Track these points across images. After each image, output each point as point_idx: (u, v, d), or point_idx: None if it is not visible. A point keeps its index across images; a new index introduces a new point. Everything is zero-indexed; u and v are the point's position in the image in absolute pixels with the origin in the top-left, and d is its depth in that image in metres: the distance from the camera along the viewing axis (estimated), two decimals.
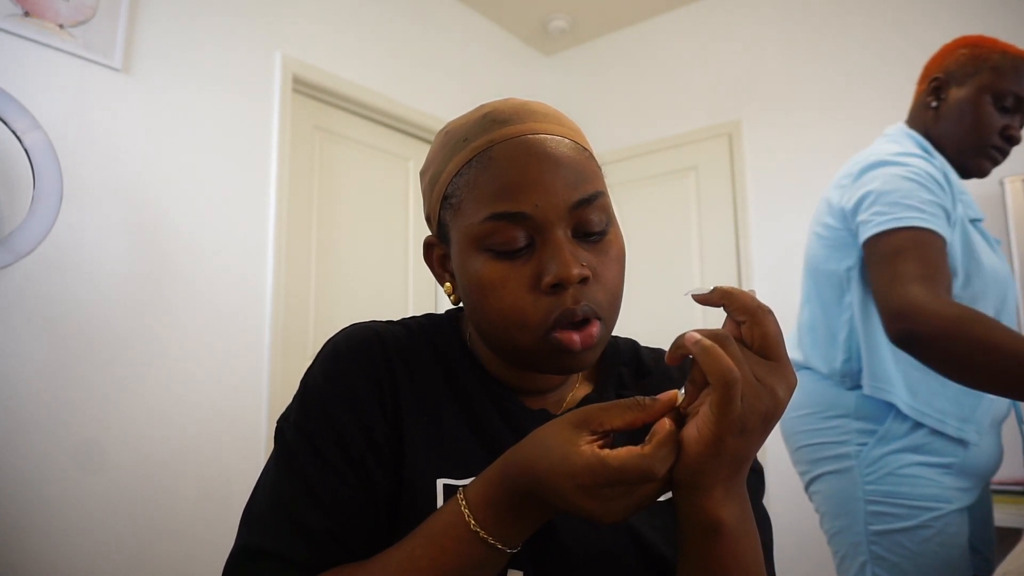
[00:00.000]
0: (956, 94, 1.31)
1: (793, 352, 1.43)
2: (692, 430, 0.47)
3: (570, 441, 0.47)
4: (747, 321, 0.48)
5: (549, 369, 0.59)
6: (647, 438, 0.47)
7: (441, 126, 0.77)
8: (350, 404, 0.60)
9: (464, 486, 0.53)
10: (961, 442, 1.24)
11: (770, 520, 0.68)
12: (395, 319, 0.70)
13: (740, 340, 0.48)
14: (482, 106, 0.65)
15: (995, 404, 1.26)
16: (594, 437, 0.48)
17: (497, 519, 0.50)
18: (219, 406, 2.09)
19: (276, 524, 0.56)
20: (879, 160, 1.26)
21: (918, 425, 1.24)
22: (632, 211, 3.20)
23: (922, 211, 1.17)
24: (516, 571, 0.57)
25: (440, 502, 0.58)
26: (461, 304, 0.66)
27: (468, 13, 3.21)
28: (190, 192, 2.09)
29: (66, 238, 1.79)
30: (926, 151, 1.31)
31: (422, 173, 0.68)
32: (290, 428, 0.61)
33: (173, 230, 2.04)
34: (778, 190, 2.86)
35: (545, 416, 0.65)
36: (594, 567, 0.59)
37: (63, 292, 1.79)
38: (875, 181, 1.23)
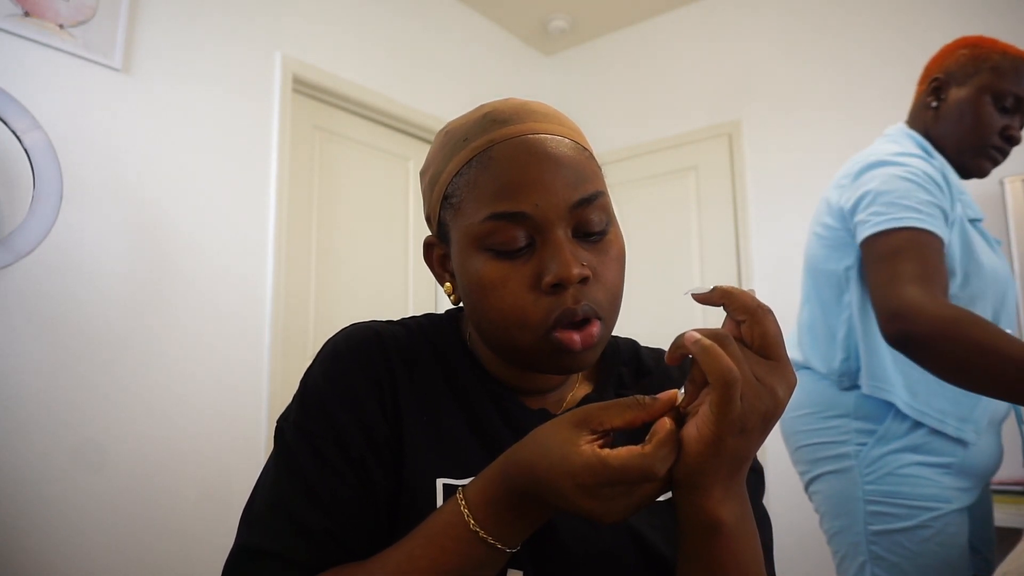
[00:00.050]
0: (956, 94, 1.31)
1: (793, 352, 1.43)
2: (692, 429, 0.47)
3: (570, 440, 0.47)
4: (747, 320, 0.48)
5: (549, 369, 0.59)
6: (647, 437, 0.47)
7: (441, 126, 0.77)
8: (350, 404, 0.60)
9: (464, 486, 0.53)
10: (960, 442, 1.24)
11: (770, 520, 0.68)
12: (395, 319, 0.70)
13: (740, 340, 0.48)
14: (482, 106, 0.65)
15: (994, 404, 1.26)
16: (594, 436, 0.48)
17: (497, 519, 0.50)
18: (219, 406, 2.09)
19: (276, 524, 0.56)
20: (878, 160, 1.26)
21: (917, 425, 1.24)
22: (632, 211, 3.20)
23: (920, 212, 1.17)
24: (516, 571, 0.57)
25: (440, 502, 0.58)
26: (461, 304, 0.66)
27: (468, 13, 3.21)
28: (190, 192, 2.09)
29: (66, 238, 1.79)
30: (925, 151, 1.31)
31: (422, 173, 0.68)
32: (290, 428, 0.61)
33: (173, 230, 2.04)
34: (778, 190, 2.86)
35: (545, 416, 0.65)
36: (594, 567, 0.59)
37: (63, 292, 1.79)
38: (873, 181, 1.23)
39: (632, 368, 0.73)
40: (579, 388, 0.70)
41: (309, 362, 0.65)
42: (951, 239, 1.22)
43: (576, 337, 0.56)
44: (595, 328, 0.57)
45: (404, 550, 0.53)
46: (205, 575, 1.87)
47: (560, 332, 0.56)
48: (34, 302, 1.74)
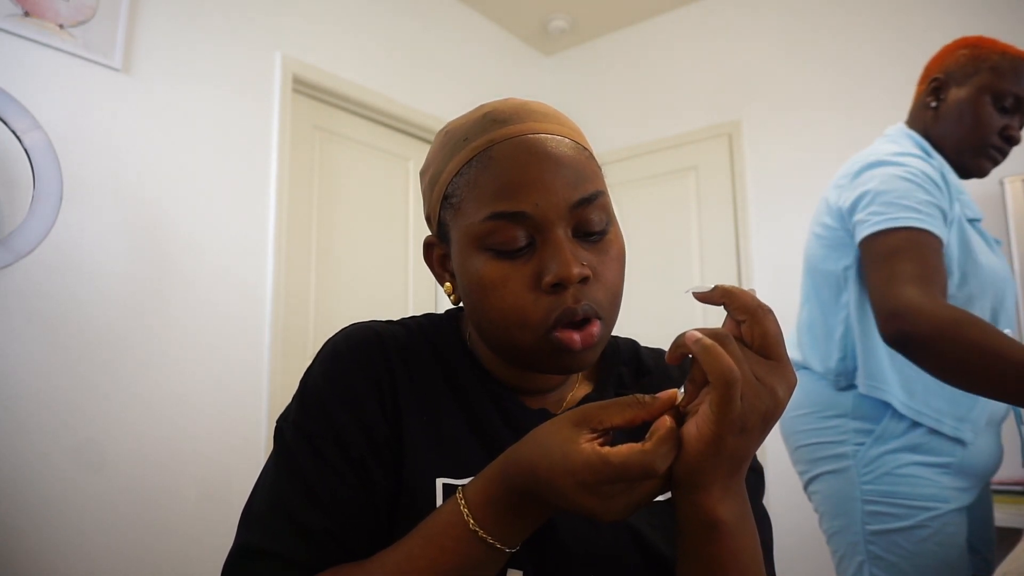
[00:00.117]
0: (956, 94, 1.32)
1: (792, 352, 1.44)
2: (692, 428, 0.47)
3: (570, 439, 0.47)
4: (747, 320, 0.48)
5: (549, 369, 0.59)
6: (648, 434, 0.47)
7: (441, 126, 0.77)
8: (349, 404, 0.60)
9: (463, 485, 0.53)
10: (958, 441, 1.24)
11: (770, 520, 0.68)
12: (395, 319, 0.70)
13: (740, 339, 0.48)
14: (482, 106, 0.65)
15: (992, 403, 1.26)
16: (594, 435, 0.48)
17: (496, 518, 0.50)
18: (219, 406, 2.09)
19: (275, 524, 0.56)
20: (877, 160, 1.26)
21: (915, 424, 1.24)
22: (632, 211, 3.20)
23: (919, 211, 1.17)
24: (516, 571, 0.57)
25: (439, 502, 0.58)
26: (461, 304, 0.66)
27: (468, 13, 3.21)
28: (190, 192, 2.09)
29: (66, 238, 1.79)
30: (924, 151, 1.31)
31: (422, 173, 0.68)
32: (289, 428, 0.61)
33: (173, 230, 2.04)
34: (778, 190, 2.86)
35: (545, 416, 0.65)
36: (594, 567, 0.59)
37: (63, 292, 1.79)
38: (872, 181, 1.24)
39: (632, 368, 0.73)
40: (579, 388, 0.70)
41: (309, 362, 0.65)
42: (949, 239, 1.22)
43: (576, 337, 0.56)
44: (595, 328, 0.57)
45: (403, 550, 0.53)
46: (205, 575, 1.87)
47: (560, 332, 0.56)
48: (34, 302, 1.74)
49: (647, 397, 0.49)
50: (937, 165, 1.28)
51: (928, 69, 1.38)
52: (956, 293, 1.23)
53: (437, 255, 0.67)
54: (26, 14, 1.77)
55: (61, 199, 1.71)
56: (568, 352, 0.57)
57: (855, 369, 1.30)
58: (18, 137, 1.66)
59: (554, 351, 0.57)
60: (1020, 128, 1.32)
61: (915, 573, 1.20)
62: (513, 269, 0.58)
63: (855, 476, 1.27)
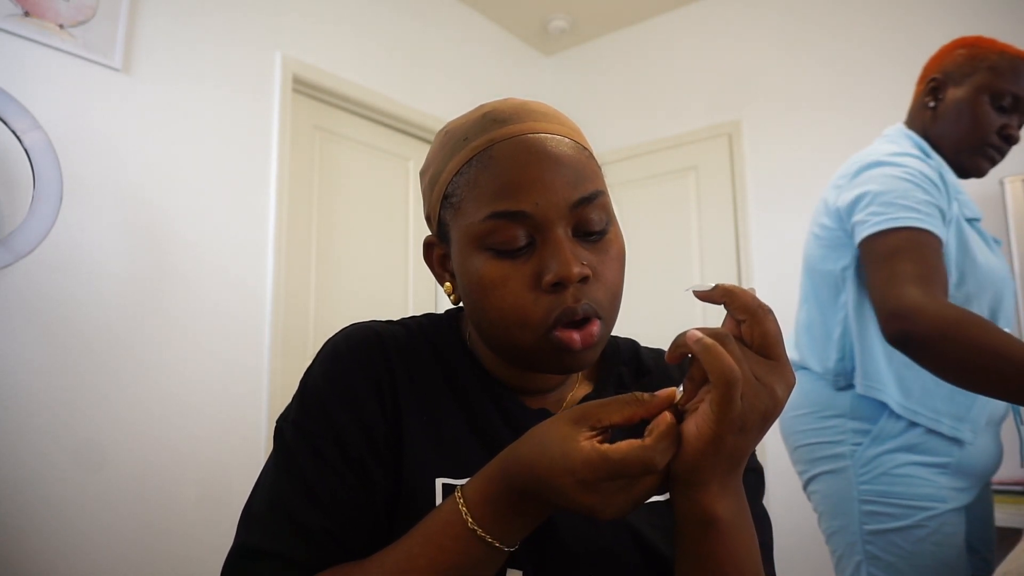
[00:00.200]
0: (954, 94, 1.32)
1: (791, 352, 1.44)
2: (691, 427, 0.47)
3: (570, 437, 0.47)
4: (747, 320, 0.49)
5: (549, 368, 0.59)
6: (647, 430, 0.47)
7: (441, 126, 0.77)
8: (349, 404, 0.60)
9: (462, 484, 0.53)
10: (956, 441, 1.24)
11: (770, 520, 0.68)
12: (395, 319, 0.70)
13: (740, 339, 0.49)
14: (482, 106, 0.65)
15: (991, 403, 1.26)
16: (593, 433, 0.48)
17: (495, 517, 0.50)
18: (219, 406, 2.09)
19: (275, 524, 0.56)
20: (875, 161, 1.26)
21: (912, 425, 1.24)
22: (632, 211, 3.20)
23: (918, 211, 1.17)
24: (515, 571, 0.57)
25: (439, 502, 0.58)
26: (461, 304, 0.66)
27: (468, 13, 3.21)
28: (190, 192, 2.09)
29: (66, 238, 1.79)
30: (923, 151, 1.31)
31: (422, 173, 0.68)
32: (289, 428, 0.61)
33: (173, 230, 2.04)
34: (778, 190, 2.86)
35: (545, 415, 0.64)
36: (594, 566, 0.59)
37: (63, 292, 1.79)
38: (871, 182, 1.24)
39: (632, 368, 0.73)
40: (579, 388, 0.70)
41: (309, 362, 0.65)
42: (947, 238, 1.22)
43: (576, 336, 0.56)
44: (595, 327, 0.57)
45: (403, 549, 0.53)
46: (205, 575, 1.87)
47: (560, 331, 0.57)
48: (34, 302, 1.74)
49: (646, 395, 0.49)
50: (935, 165, 1.28)
51: (926, 69, 1.38)
52: (954, 293, 1.24)
53: (437, 255, 0.67)
54: (26, 14, 1.78)
55: (61, 199, 1.71)
56: (568, 351, 0.57)
57: (853, 369, 1.30)
58: (18, 137, 1.66)
59: (554, 350, 0.57)
60: (1019, 127, 1.32)
61: (913, 573, 1.20)
62: (513, 269, 0.58)
63: (853, 476, 1.27)
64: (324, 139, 2.62)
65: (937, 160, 1.30)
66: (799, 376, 1.40)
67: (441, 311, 0.75)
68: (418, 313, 0.73)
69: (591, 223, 0.59)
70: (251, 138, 2.28)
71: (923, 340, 1.09)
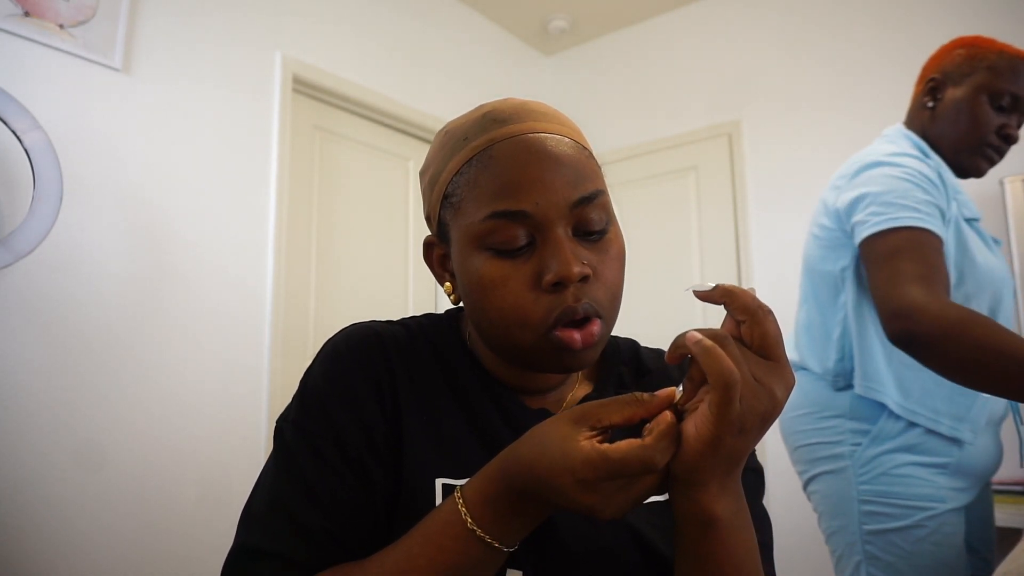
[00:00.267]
0: (952, 94, 1.32)
1: (790, 352, 1.44)
2: (690, 428, 0.47)
3: (570, 437, 0.47)
4: (747, 321, 0.49)
5: (550, 368, 0.59)
6: (648, 429, 0.47)
7: (441, 126, 0.77)
8: (349, 404, 0.60)
9: (461, 485, 0.53)
10: (956, 441, 1.24)
11: (770, 520, 0.68)
12: (395, 319, 0.70)
13: (739, 339, 0.49)
14: (481, 106, 0.65)
15: (991, 403, 1.26)
16: (593, 433, 0.48)
17: (495, 517, 0.50)
18: (219, 406, 2.09)
19: (274, 524, 0.56)
20: (874, 161, 1.26)
21: (911, 425, 1.24)
22: (632, 211, 3.20)
23: (918, 211, 1.17)
24: (515, 571, 0.57)
25: (439, 502, 0.58)
26: (461, 304, 0.66)
27: (468, 13, 3.21)
28: (190, 192, 2.09)
29: (66, 238, 1.79)
30: (922, 151, 1.31)
31: (422, 173, 0.68)
32: (289, 428, 0.61)
33: (173, 230, 2.04)
34: (778, 190, 2.86)
35: (545, 415, 0.64)
36: (594, 566, 0.59)
37: (63, 292, 1.79)
38: (870, 182, 1.24)
39: (632, 368, 0.73)
40: (579, 388, 0.70)
41: (309, 362, 0.65)
42: (947, 238, 1.22)
43: (577, 336, 0.57)
44: (595, 327, 0.57)
45: (402, 549, 0.53)
46: (205, 575, 1.87)
47: (561, 331, 0.57)
48: (34, 302, 1.74)
49: (646, 395, 0.50)
50: (934, 165, 1.28)
51: (925, 69, 1.38)
52: (953, 293, 1.24)
53: (437, 255, 0.67)
54: (26, 14, 1.78)
55: (61, 199, 1.71)
56: (568, 351, 0.57)
57: (852, 370, 1.30)
58: (18, 137, 1.66)
59: (554, 350, 0.57)
60: (1018, 127, 1.32)
61: (912, 573, 1.20)
62: (513, 268, 0.58)
63: (852, 476, 1.27)
64: (324, 139, 2.62)
65: (936, 160, 1.30)
66: (798, 376, 1.40)
67: (441, 311, 0.75)
68: (418, 313, 0.73)
69: (591, 223, 0.59)
70: (251, 138, 2.28)
71: (926, 339, 1.09)
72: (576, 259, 0.56)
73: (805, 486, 1.41)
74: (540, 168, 0.58)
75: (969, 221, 1.31)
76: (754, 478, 0.67)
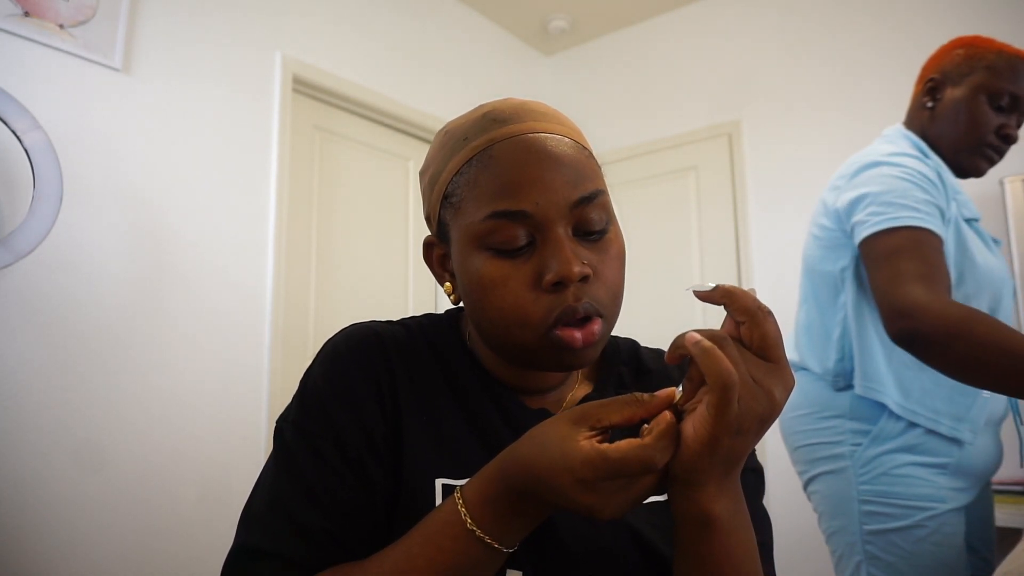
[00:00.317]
0: (952, 94, 1.31)
1: (790, 352, 1.44)
2: (689, 428, 0.48)
3: (569, 437, 0.47)
4: (747, 322, 0.48)
5: (550, 366, 0.59)
6: (647, 429, 0.47)
7: (441, 126, 0.77)
8: (349, 404, 0.60)
9: (461, 485, 0.53)
10: (956, 441, 1.24)
11: (770, 520, 0.68)
12: (395, 319, 0.70)
13: (739, 340, 0.49)
14: (481, 106, 0.65)
15: (991, 403, 1.26)
16: (592, 433, 0.48)
17: (494, 518, 0.50)
18: (219, 406, 2.09)
19: (274, 524, 0.56)
20: (873, 161, 1.27)
21: (912, 425, 1.24)
22: (632, 211, 3.20)
23: (918, 210, 1.17)
24: (515, 571, 0.57)
25: (439, 502, 0.58)
26: (461, 304, 0.66)
27: (468, 13, 3.21)
28: (190, 192, 2.09)
29: (66, 238, 1.79)
30: (921, 151, 1.31)
31: (422, 173, 0.68)
32: (289, 428, 0.61)
33: (173, 230, 2.04)
34: (778, 190, 2.86)
35: (545, 415, 0.64)
36: (593, 566, 0.59)
37: (63, 292, 1.79)
38: (870, 182, 1.24)
39: (632, 368, 0.73)
40: (579, 388, 0.70)
41: (309, 362, 0.65)
42: (946, 238, 1.22)
43: (578, 335, 0.57)
44: (596, 326, 0.57)
45: (402, 549, 0.53)
46: (205, 575, 1.87)
47: (561, 330, 0.57)
48: (34, 302, 1.74)
49: (645, 395, 0.50)
50: (933, 165, 1.28)
51: (925, 69, 1.38)
52: (953, 293, 1.23)
53: (437, 255, 0.67)
54: (26, 14, 1.78)
55: (61, 199, 1.71)
56: (569, 350, 0.57)
57: (852, 370, 1.30)
58: (18, 137, 1.66)
59: (555, 349, 0.57)
60: (1017, 127, 1.32)
61: (912, 573, 1.20)
62: (513, 268, 0.58)
63: (852, 476, 1.27)
64: (324, 139, 2.62)
65: (935, 160, 1.30)
66: (799, 376, 1.40)
67: (441, 311, 0.75)
68: (418, 313, 0.73)
69: (591, 222, 0.59)
70: (251, 138, 2.28)
71: (929, 338, 1.09)
72: (576, 259, 0.56)
73: (805, 486, 1.41)
74: (540, 168, 0.58)
75: (969, 221, 1.31)
76: (754, 478, 0.67)
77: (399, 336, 0.66)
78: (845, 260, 1.30)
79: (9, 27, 1.74)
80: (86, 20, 1.88)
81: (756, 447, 0.61)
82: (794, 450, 1.41)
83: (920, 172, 1.22)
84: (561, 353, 0.58)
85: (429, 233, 0.68)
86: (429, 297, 2.92)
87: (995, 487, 1.91)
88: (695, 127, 3.13)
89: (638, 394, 0.50)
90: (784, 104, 2.88)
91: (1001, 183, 2.28)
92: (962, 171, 1.34)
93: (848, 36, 2.77)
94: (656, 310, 2.88)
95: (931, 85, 1.34)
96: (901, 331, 1.11)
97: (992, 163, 1.34)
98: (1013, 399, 1.27)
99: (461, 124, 0.64)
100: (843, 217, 1.28)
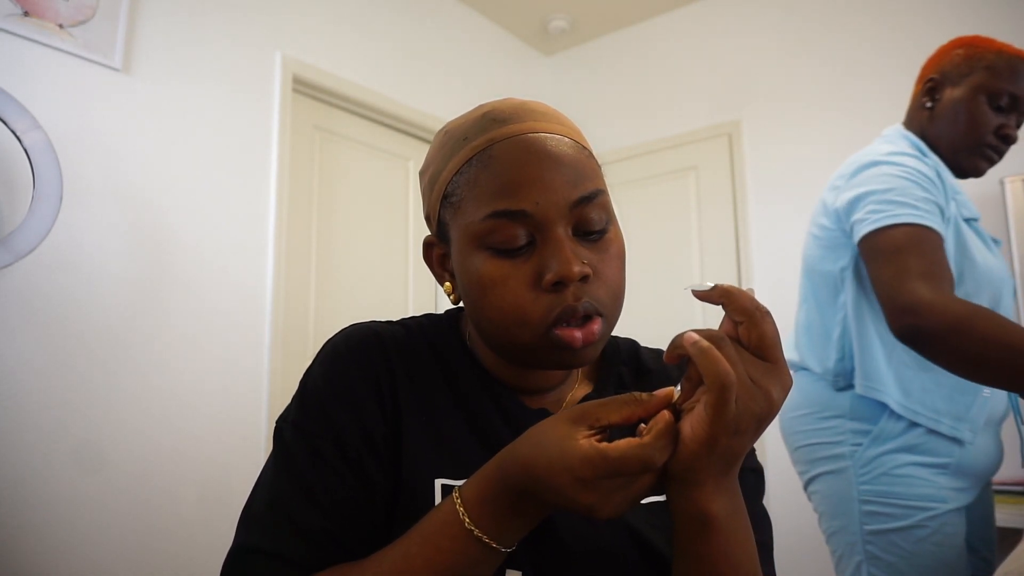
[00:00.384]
0: (951, 94, 1.31)
1: (790, 352, 1.44)
2: (687, 428, 0.48)
3: (568, 436, 0.48)
4: (745, 322, 0.49)
5: (549, 365, 0.60)
6: (646, 429, 0.47)
7: (441, 126, 0.77)
8: (349, 404, 0.60)
9: (460, 485, 0.53)
10: (956, 441, 1.24)
11: (770, 520, 0.68)
12: (395, 319, 0.70)
13: (737, 340, 0.49)
14: (481, 106, 0.65)
15: (991, 403, 1.26)
16: (591, 432, 0.48)
17: (493, 517, 0.50)
18: (219, 406, 2.09)
19: (274, 524, 0.57)
20: (872, 160, 1.27)
21: (912, 425, 1.24)
22: (632, 211, 3.20)
23: (918, 208, 1.17)
24: (514, 571, 0.57)
25: (438, 502, 0.58)
26: (461, 304, 0.67)
27: (468, 13, 3.21)
28: (190, 192, 2.09)
29: (66, 238, 1.79)
30: (920, 151, 1.31)
31: (422, 173, 0.68)
32: (289, 428, 0.61)
33: (173, 230, 2.04)
34: (778, 190, 2.86)
35: (544, 415, 0.64)
36: (593, 566, 0.59)
37: (62, 292, 1.79)
38: (869, 181, 1.24)
39: (632, 368, 0.73)
40: (579, 388, 0.70)
41: (309, 362, 0.65)
42: (946, 237, 1.22)
43: (578, 334, 0.57)
44: (596, 325, 0.57)
45: (400, 549, 0.53)
46: (205, 575, 1.87)
47: (561, 329, 0.57)
48: (34, 302, 1.74)
49: (644, 395, 0.50)
50: (932, 164, 1.28)
51: (924, 69, 1.38)
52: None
53: (437, 255, 0.67)
54: (26, 14, 1.78)
55: (61, 199, 1.71)
56: (569, 349, 0.57)
57: (853, 370, 1.30)
58: (18, 137, 1.66)
59: (555, 348, 0.57)
60: (1017, 127, 1.32)
61: (913, 573, 1.20)
62: (513, 268, 0.58)
63: (853, 476, 1.27)
64: (324, 139, 2.62)
65: (934, 160, 1.30)
66: (799, 376, 1.40)
67: (441, 311, 0.75)
68: (418, 313, 0.73)
69: (591, 222, 0.59)
70: (251, 138, 2.28)
71: (933, 335, 1.09)
72: (576, 258, 0.56)
73: (805, 486, 1.40)
74: (540, 168, 0.58)
75: (968, 221, 1.31)
76: (754, 478, 0.67)
77: (399, 336, 0.66)
78: (845, 260, 1.30)
79: (9, 27, 1.74)
80: (86, 20, 1.88)
81: (756, 447, 0.62)
82: (794, 450, 1.41)
83: (919, 171, 1.22)
84: (561, 352, 0.58)
85: (429, 233, 0.68)
86: (429, 297, 2.92)
87: (995, 487, 1.90)
88: (695, 127, 3.13)
89: (637, 393, 0.50)
90: (784, 104, 2.88)
91: (1001, 183, 2.28)
92: (961, 171, 1.34)
93: (848, 36, 2.77)
94: (656, 310, 2.88)
95: (930, 85, 1.34)
96: (905, 328, 1.11)
97: (991, 163, 1.34)
98: (1014, 398, 1.27)
99: (461, 124, 0.64)
100: (843, 216, 1.28)
